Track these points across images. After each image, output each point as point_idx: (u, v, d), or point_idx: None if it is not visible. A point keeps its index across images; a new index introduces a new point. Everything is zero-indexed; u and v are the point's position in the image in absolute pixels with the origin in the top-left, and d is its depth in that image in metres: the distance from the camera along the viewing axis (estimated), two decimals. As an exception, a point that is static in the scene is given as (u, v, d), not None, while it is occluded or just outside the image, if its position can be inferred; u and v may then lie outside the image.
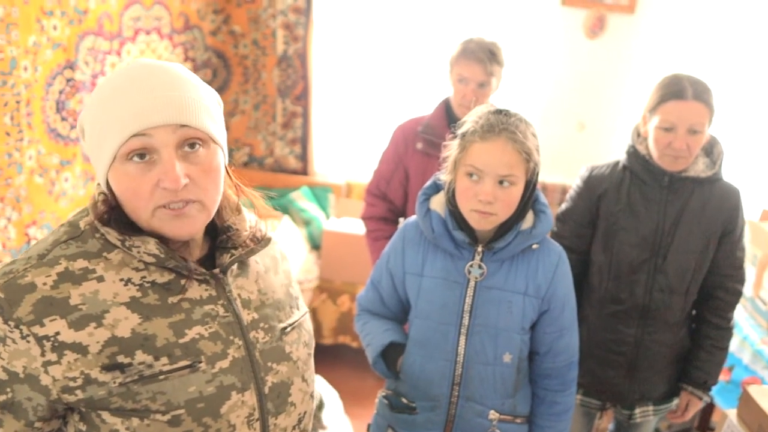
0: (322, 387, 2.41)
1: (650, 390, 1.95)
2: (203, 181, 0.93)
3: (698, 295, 1.92)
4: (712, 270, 1.88)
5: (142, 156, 0.90)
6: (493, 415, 1.51)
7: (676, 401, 2.00)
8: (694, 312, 1.96)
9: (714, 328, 1.90)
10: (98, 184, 0.98)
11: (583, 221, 1.93)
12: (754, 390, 1.87)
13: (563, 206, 2.01)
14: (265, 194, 1.11)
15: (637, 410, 1.97)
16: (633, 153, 1.87)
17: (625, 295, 1.87)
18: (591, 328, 1.94)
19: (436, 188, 1.55)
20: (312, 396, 1.12)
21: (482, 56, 2.13)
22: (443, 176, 1.52)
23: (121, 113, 0.89)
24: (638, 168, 1.85)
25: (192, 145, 0.92)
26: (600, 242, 1.90)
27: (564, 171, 3.51)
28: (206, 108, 0.94)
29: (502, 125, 1.39)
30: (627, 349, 1.90)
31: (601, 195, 1.90)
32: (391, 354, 1.58)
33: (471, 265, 1.49)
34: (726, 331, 1.92)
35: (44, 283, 0.89)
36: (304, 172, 3.81)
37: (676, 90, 1.74)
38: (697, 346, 1.92)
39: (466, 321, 1.49)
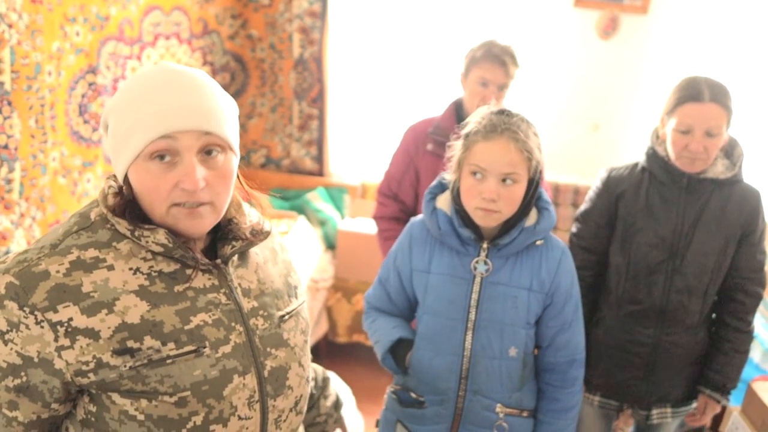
0: (335, 383, 2.42)
1: (667, 392, 1.94)
2: (218, 186, 0.99)
3: (718, 298, 1.91)
4: (731, 272, 1.87)
5: (162, 157, 0.95)
6: (499, 408, 1.54)
7: (695, 404, 1.99)
8: (713, 315, 1.95)
9: (733, 330, 1.89)
10: (108, 177, 1.05)
11: (602, 222, 1.93)
12: (758, 386, 1.88)
13: (582, 207, 2.01)
14: (273, 195, 1.16)
15: (654, 411, 1.96)
16: (652, 154, 1.87)
17: (642, 295, 1.87)
18: (608, 328, 1.94)
19: (442, 187, 1.59)
20: (308, 380, 1.17)
21: (505, 59, 2.16)
22: (448, 176, 1.55)
23: (149, 114, 0.94)
24: (657, 169, 1.86)
25: (209, 152, 0.98)
26: (618, 243, 1.91)
27: (578, 171, 3.53)
28: (227, 117, 1.00)
29: (504, 125, 1.42)
30: (644, 350, 1.90)
31: (619, 196, 1.90)
32: (399, 350, 1.62)
33: (477, 262, 1.52)
34: (745, 335, 1.90)
35: (57, 271, 0.93)
36: (319, 173, 3.87)
37: (693, 93, 1.74)
38: (716, 349, 1.91)
39: (472, 316, 1.52)
